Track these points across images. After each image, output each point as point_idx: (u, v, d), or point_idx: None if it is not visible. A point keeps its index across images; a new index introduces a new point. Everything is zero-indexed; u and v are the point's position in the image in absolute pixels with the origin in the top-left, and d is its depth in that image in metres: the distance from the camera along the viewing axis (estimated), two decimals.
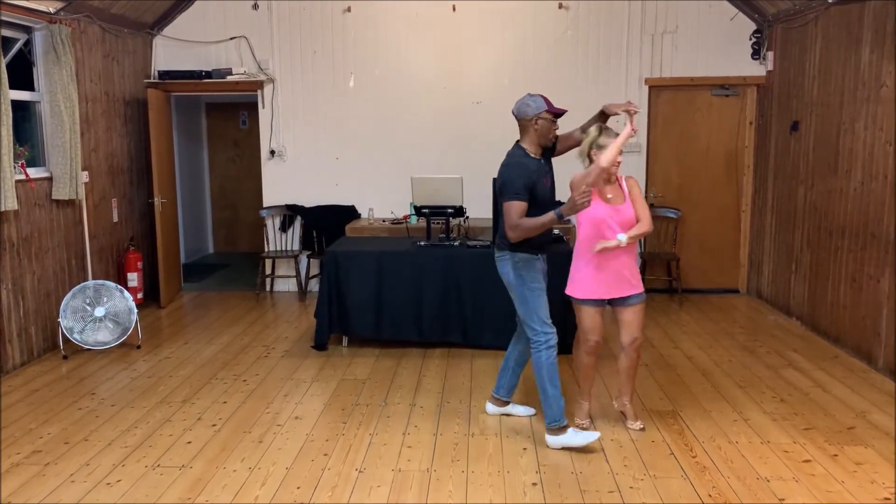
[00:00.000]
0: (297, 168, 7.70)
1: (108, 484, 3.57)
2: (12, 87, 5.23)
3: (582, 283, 4.04)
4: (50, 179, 5.76)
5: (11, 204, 5.05)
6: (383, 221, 7.28)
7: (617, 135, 3.89)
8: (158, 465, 3.76)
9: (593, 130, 3.99)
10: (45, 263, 5.68)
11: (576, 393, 4.44)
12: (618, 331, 4.16)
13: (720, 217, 7.61)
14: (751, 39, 7.24)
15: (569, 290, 4.10)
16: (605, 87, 7.40)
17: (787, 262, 6.70)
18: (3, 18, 5.17)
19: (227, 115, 10.08)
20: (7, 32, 5.39)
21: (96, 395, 4.78)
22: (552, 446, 3.94)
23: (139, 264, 6.97)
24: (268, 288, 7.83)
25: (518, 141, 4.01)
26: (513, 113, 3.99)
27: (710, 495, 3.42)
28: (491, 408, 4.41)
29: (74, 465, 3.77)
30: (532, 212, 3.81)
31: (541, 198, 3.89)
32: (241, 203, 10.17)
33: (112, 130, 6.79)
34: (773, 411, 4.43)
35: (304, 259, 7.73)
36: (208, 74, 7.37)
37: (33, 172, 5.59)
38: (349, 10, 7.43)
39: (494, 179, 5.75)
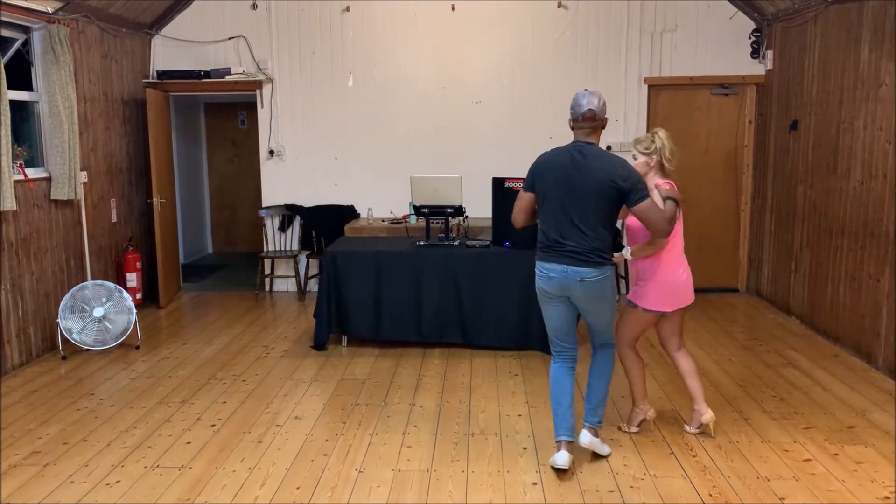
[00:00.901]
0: (296, 168, 7.69)
1: (108, 484, 3.56)
2: (10, 87, 5.22)
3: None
4: (48, 180, 5.76)
5: (10, 204, 5.04)
6: (382, 221, 7.27)
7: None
8: (158, 466, 3.75)
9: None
10: (43, 264, 5.67)
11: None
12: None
13: (719, 216, 7.60)
14: (750, 38, 7.24)
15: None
16: (605, 87, 7.39)
17: (786, 261, 6.70)
18: (2, 18, 5.16)
19: (225, 114, 10.07)
20: (5, 32, 5.38)
21: (95, 396, 4.77)
22: (592, 446, 3.79)
23: (138, 264, 6.96)
24: (267, 288, 7.82)
25: (591, 143, 3.60)
26: (592, 111, 3.54)
27: (710, 495, 3.42)
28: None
29: (73, 465, 3.77)
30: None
31: None
32: (240, 203, 10.16)
33: (111, 130, 6.78)
34: (773, 410, 4.43)
35: (303, 259, 7.73)
36: (207, 74, 7.36)
37: (32, 173, 5.58)
38: (348, 9, 7.42)
39: (497, 178, 5.78)
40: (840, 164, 5.72)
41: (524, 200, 3.72)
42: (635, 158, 3.91)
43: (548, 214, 3.63)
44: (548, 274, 3.63)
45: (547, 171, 3.62)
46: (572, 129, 3.64)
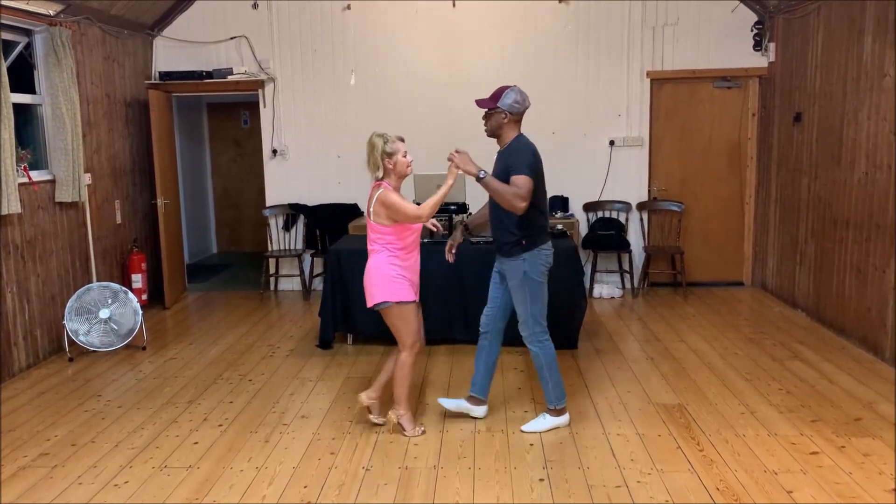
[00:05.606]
0: (300, 167, 7.70)
1: (116, 485, 3.57)
2: (13, 90, 5.23)
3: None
4: (53, 182, 5.77)
5: (15, 207, 5.06)
6: None
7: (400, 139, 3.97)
8: (165, 466, 3.76)
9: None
10: (49, 266, 5.68)
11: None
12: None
13: (724, 209, 7.59)
14: (752, 31, 7.21)
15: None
16: (607, 81, 7.39)
17: (791, 253, 6.68)
18: (4, 21, 5.17)
19: (228, 114, 10.07)
20: (7, 35, 5.39)
21: (102, 397, 4.79)
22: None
23: (143, 265, 6.98)
24: (272, 287, 7.83)
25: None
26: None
27: (717, 489, 3.41)
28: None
29: (82, 467, 3.78)
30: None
31: None
32: (244, 203, 10.17)
33: (114, 132, 6.79)
34: (780, 403, 4.42)
35: (307, 258, 7.73)
36: (209, 75, 7.37)
37: (36, 175, 5.60)
38: (349, 7, 7.42)
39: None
40: (844, 156, 5.70)
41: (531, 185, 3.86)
42: (397, 156, 3.93)
43: (543, 201, 4.02)
44: (552, 250, 4.08)
45: (540, 161, 3.96)
46: (516, 121, 3.99)
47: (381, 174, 3.93)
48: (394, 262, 3.92)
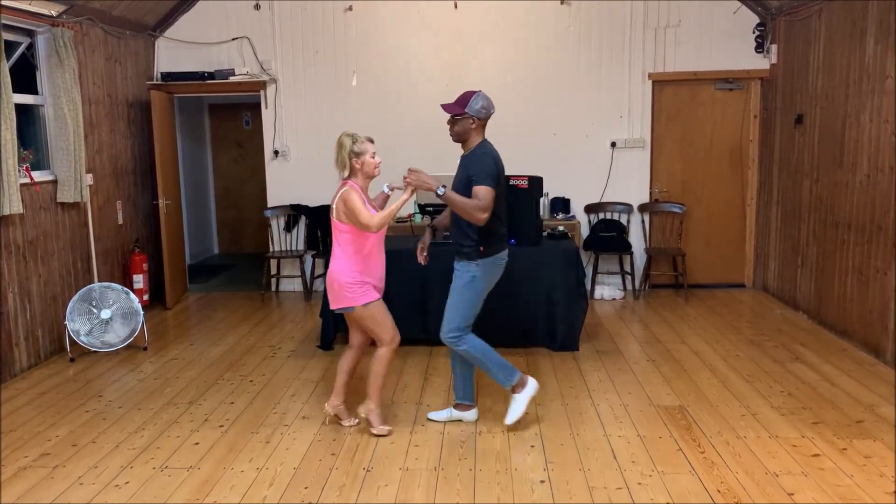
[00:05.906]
0: (301, 168, 7.70)
1: (117, 486, 3.57)
2: (16, 90, 5.24)
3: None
4: (54, 182, 5.77)
5: (17, 207, 5.06)
6: None
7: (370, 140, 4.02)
8: (166, 467, 3.77)
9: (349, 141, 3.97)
10: (50, 266, 5.69)
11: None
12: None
13: (725, 211, 7.58)
14: (754, 33, 7.21)
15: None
16: (609, 83, 7.39)
17: (793, 255, 6.68)
18: (6, 22, 5.18)
19: (230, 115, 10.08)
20: (9, 36, 5.40)
21: (103, 398, 4.79)
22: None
23: (144, 266, 6.98)
24: (273, 288, 7.84)
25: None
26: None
27: (718, 491, 3.41)
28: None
29: (83, 467, 3.78)
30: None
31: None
32: (246, 203, 10.18)
33: (116, 132, 6.80)
34: (781, 406, 4.41)
35: (308, 259, 7.74)
36: (211, 75, 7.37)
37: (38, 176, 5.61)
38: (350, 8, 7.42)
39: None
40: (846, 158, 5.70)
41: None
42: (365, 156, 3.99)
43: (502, 208, 3.99)
44: (507, 259, 4.07)
45: (501, 168, 3.97)
46: (482, 126, 3.98)
47: (346, 173, 3.97)
48: (353, 269, 3.95)
